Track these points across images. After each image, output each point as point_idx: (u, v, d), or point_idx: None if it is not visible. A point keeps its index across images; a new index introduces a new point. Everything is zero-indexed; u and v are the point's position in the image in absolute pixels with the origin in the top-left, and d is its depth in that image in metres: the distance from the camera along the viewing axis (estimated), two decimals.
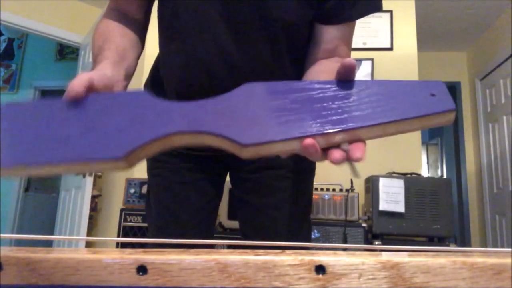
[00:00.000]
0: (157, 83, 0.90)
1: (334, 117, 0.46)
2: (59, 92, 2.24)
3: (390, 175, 2.18)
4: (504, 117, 3.41)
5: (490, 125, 3.65)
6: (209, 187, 0.94)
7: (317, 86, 0.49)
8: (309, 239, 1.01)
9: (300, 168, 0.92)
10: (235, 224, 1.91)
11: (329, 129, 0.45)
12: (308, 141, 0.45)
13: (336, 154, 0.45)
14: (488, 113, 3.70)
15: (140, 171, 2.58)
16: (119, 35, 0.77)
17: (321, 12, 0.75)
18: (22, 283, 0.27)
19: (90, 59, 3.02)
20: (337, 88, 0.49)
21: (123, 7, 0.82)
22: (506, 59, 3.36)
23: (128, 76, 0.70)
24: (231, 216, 2.09)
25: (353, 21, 0.77)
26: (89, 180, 2.56)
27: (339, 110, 0.47)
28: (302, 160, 0.84)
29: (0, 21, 3.04)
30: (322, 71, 0.71)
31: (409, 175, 2.19)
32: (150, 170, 0.96)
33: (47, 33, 3.27)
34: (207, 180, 0.93)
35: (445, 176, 4.51)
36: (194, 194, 0.92)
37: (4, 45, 4.67)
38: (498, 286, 0.27)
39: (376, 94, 0.48)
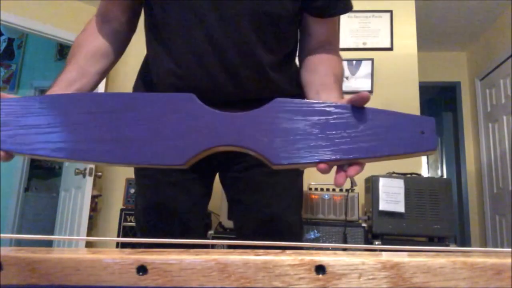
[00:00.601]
0: (148, 84, 0.91)
1: (343, 146, 0.59)
2: None
3: (390, 175, 2.18)
4: (504, 117, 3.41)
5: (490, 125, 3.65)
6: (197, 187, 0.94)
7: (333, 111, 0.60)
8: (302, 234, 1.01)
9: None
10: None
11: (339, 157, 0.58)
12: (323, 166, 0.59)
13: (341, 179, 0.60)
14: (488, 113, 3.70)
15: None
16: (86, 50, 0.82)
17: (314, 7, 0.82)
18: (22, 283, 0.27)
19: None
20: (349, 115, 0.60)
21: (108, 13, 0.87)
22: (506, 59, 3.36)
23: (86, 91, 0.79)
24: (231, 216, 2.09)
25: (344, 14, 0.86)
26: (89, 180, 2.56)
27: (348, 140, 0.59)
28: None
29: (0, 21, 3.04)
30: (319, 62, 0.83)
31: (409, 175, 2.19)
32: (138, 170, 0.96)
33: (47, 33, 3.27)
34: (195, 180, 0.93)
35: (445, 176, 4.52)
36: (181, 195, 0.92)
37: (4, 45, 4.67)
38: (498, 286, 0.27)
39: (376, 126, 0.59)
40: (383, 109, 0.60)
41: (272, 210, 0.91)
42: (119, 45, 0.88)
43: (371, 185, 2.12)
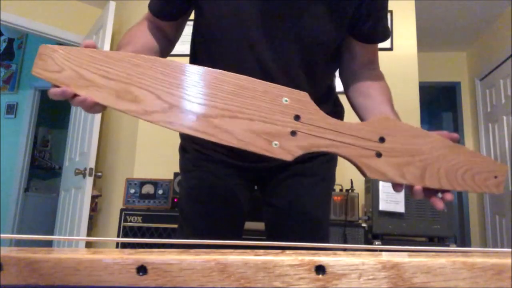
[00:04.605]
0: None
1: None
2: None
3: None
4: (504, 117, 3.41)
5: (490, 125, 3.65)
6: (245, 193, 0.99)
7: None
8: (328, 236, 1.07)
9: (327, 176, 1.00)
10: (250, 225, 1.90)
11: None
12: (418, 188, 0.66)
13: (440, 204, 0.67)
14: (488, 113, 3.70)
15: (140, 171, 2.58)
16: (141, 41, 0.84)
17: (360, 34, 0.88)
18: (22, 283, 0.27)
19: None
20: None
21: (156, 23, 0.89)
22: (506, 59, 3.36)
23: None
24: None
25: (385, 40, 0.92)
26: (89, 180, 2.56)
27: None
28: (329, 168, 0.99)
29: (0, 21, 3.04)
30: (370, 86, 0.88)
31: None
32: (189, 172, 1.00)
33: (47, 33, 3.26)
34: (243, 186, 0.99)
35: None
36: (232, 198, 0.97)
37: (4, 45, 4.67)
38: (498, 286, 0.27)
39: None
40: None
41: (306, 219, 0.96)
42: (167, 50, 0.93)
43: (371, 185, 2.12)
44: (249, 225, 1.12)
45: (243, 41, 0.82)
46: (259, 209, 1.04)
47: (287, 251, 0.30)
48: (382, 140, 0.64)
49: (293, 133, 0.62)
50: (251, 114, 0.61)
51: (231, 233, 0.96)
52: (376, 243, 2.03)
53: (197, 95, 0.61)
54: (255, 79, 0.62)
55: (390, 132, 0.65)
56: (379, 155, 0.64)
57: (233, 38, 0.83)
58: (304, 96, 0.62)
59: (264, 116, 0.61)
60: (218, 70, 0.62)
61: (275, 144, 0.62)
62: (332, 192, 2.12)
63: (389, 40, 2.70)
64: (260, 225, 1.08)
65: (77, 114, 3.02)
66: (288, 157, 0.62)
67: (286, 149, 0.62)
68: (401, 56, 2.66)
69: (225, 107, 0.61)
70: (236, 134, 0.61)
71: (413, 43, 2.69)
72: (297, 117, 0.62)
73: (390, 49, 2.67)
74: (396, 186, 0.68)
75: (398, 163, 0.65)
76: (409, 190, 0.68)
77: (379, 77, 0.92)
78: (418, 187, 0.66)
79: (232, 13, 0.81)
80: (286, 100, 0.61)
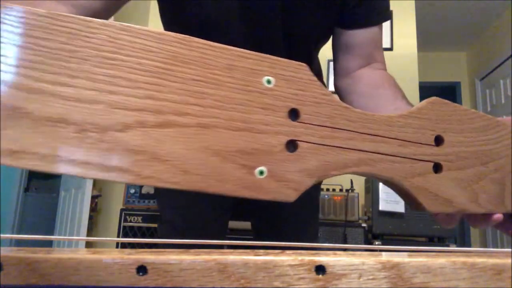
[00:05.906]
0: None
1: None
2: None
3: None
4: (504, 117, 3.41)
5: None
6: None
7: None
8: (317, 241, 1.05)
9: None
10: (236, 224, 1.91)
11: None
12: (498, 216, 0.42)
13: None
14: (488, 113, 3.70)
15: None
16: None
17: (353, 18, 0.72)
18: (22, 283, 0.27)
19: None
20: None
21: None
22: (506, 59, 3.36)
23: None
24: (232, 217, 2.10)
25: (384, 22, 0.74)
26: (89, 180, 2.56)
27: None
28: None
29: None
30: (378, 85, 0.71)
31: None
32: None
33: None
34: None
35: None
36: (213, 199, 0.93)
37: None
38: (498, 286, 0.27)
39: None
40: None
41: (297, 219, 0.94)
42: None
43: (371, 185, 2.12)
44: (246, 224, 1.12)
45: (224, 37, 0.75)
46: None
47: (287, 251, 0.30)
48: (438, 140, 0.39)
49: (291, 145, 0.33)
50: (203, 115, 0.30)
51: (214, 221, 0.94)
52: (376, 243, 2.03)
53: (77, 81, 0.27)
54: (205, 41, 0.32)
55: (448, 125, 0.39)
56: (437, 167, 0.39)
57: (214, 35, 0.76)
58: (300, 69, 0.34)
59: (231, 117, 0.31)
60: (129, 25, 0.30)
61: (261, 173, 0.32)
62: (332, 192, 2.14)
63: (389, 40, 2.71)
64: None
65: None
66: (289, 196, 0.33)
67: (282, 181, 0.33)
68: (401, 56, 2.66)
69: (147, 105, 0.29)
70: (178, 162, 0.30)
71: (413, 43, 2.69)
72: (294, 113, 0.33)
73: (390, 49, 2.68)
74: (451, 219, 0.44)
75: (467, 178, 0.40)
76: (471, 220, 0.44)
77: (387, 76, 0.76)
78: (498, 215, 0.40)
79: (209, 9, 0.72)
80: (269, 81, 0.33)
